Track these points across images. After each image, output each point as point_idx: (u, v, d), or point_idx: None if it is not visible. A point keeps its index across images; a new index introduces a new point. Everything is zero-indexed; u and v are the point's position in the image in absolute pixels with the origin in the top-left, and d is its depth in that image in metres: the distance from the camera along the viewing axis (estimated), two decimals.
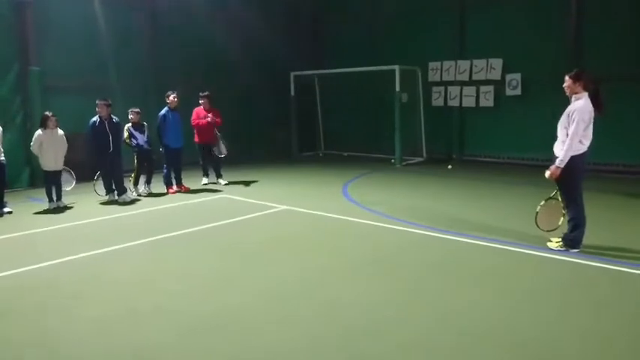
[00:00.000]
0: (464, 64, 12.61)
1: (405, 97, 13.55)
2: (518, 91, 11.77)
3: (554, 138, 5.50)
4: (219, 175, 10.38)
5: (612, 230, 6.35)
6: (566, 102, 5.47)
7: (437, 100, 13.24)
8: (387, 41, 13.97)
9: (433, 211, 7.59)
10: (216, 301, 4.37)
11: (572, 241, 5.52)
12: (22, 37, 9.96)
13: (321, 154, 15.23)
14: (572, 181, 5.43)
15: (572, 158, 5.32)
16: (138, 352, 3.51)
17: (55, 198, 8.21)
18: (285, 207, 7.96)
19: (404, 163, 12.66)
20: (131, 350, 3.54)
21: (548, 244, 5.70)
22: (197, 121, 10.00)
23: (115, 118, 8.61)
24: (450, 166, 11.93)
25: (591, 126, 5.36)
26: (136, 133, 8.95)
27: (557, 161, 5.32)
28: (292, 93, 14.64)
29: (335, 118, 15.43)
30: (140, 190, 9.20)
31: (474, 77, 12.47)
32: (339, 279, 4.88)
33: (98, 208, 8.14)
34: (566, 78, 5.41)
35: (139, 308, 4.24)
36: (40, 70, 10.08)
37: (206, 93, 10.16)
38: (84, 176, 9.33)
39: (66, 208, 8.18)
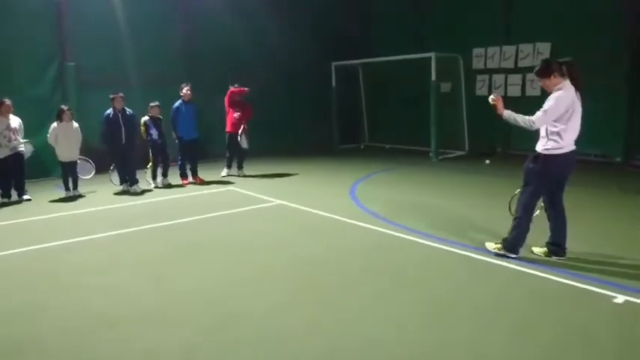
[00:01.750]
0: (509, 50, 11.57)
1: (448, 87, 12.78)
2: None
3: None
4: (240, 167, 10.42)
5: (603, 237, 5.48)
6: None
7: (481, 90, 12.30)
8: (432, 28, 13.19)
9: (431, 210, 7.02)
10: (132, 300, 4.26)
11: (510, 244, 4.91)
12: (59, 34, 10.60)
13: (362, 147, 14.80)
14: (536, 183, 4.74)
15: (547, 158, 4.63)
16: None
17: (71, 187, 8.66)
18: (280, 202, 7.77)
19: (441, 157, 11.92)
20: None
21: (487, 244, 5.13)
22: (237, 91, 10.07)
23: (128, 111, 8.89)
24: (487, 161, 11.03)
25: (574, 121, 4.61)
26: (152, 128, 9.18)
27: (507, 112, 4.73)
28: (333, 84, 14.34)
29: (380, 109, 14.92)
30: (157, 182, 9.45)
31: (520, 64, 11.40)
32: (267, 282, 4.61)
33: (107, 198, 8.46)
34: (537, 79, 4.73)
35: (51, 303, 4.23)
36: (75, 66, 10.68)
37: (236, 86, 10.24)
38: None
39: (80, 196, 8.59)
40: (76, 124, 8.64)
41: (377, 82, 14.68)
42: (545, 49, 10.88)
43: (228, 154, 10.40)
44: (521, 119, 4.69)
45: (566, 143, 4.61)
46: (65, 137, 8.46)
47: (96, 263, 5.23)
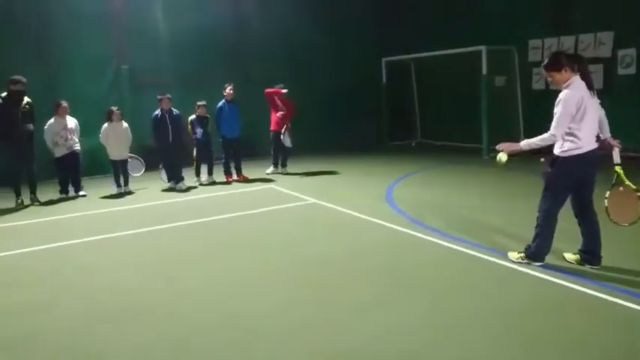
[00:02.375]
0: (568, 41, 10.84)
1: (502, 81, 12.22)
2: (632, 70, 9.77)
3: None
4: (284, 165, 10.54)
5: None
6: None
7: (537, 83, 11.63)
8: (485, 19, 12.60)
9: (465, 212, 6.76)
10: (132, 297, 4.38)
11: (534, 253, 4.62)
12: (115, 38, 11.20)
13: (413, 144, 14.47)
14: (556, 188, 4.43)
15: (565, 160, 4.32)
16: None
17: (122, 184, 9.14)
18: (314, 201, 7.77)
19: (493, 155, 11.39)
20: None
21: (509, 254, 4.86)
22: (272, 92, 10.22)
23: (175, 111, 9.24)
24: (542, 159, 10.42)
25: (589, 120, 4.27)
26: (197, 127, 9.48)
27: (523, 142, 4.45)
28: (384, 80, 14.14)
29: (432, 105, 14.50)
30: (202, 180, 9.75)
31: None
32: (274, 281, 4.62)
33: (153, 195, 8.83)
34: (545, 72, 4.41)
35: (56, 300, 4.39)
36: (130, 68, 11.25)
37: (281, 86, 10.34)
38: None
39: (129, 193, 9.05)
40: (125, 124, 9.10)
41: (429, 77, 14.25)
42: (607, 38, 10.10)
43: (273, 153, 10.53)
44: (540, 140, 4.38)
45: (585, 142, 4.28)
46: (115, 137, 8.94)
47: (112, 261, 5.41)
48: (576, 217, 4.64)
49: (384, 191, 8.31)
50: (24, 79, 8.05)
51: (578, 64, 4.31)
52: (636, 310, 3.72)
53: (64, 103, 8.71)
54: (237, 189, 9.14)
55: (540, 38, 11.38)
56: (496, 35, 11.67)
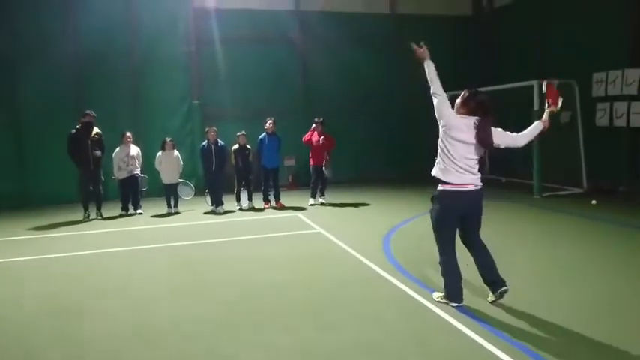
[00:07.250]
0: (633, 74, 9.94)
1: (567, 117, 11.51)
2: None
3: None
4: (322, 195, 10.98)
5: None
6: None
7: (601, 120, 10.75)
8: (548, 52, 12.04)
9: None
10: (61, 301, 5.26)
11: (447, 293, 4.61)
12: (190, 77, 12.74)
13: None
14: (439, 225, 4.53)
15: (440, 194, 4.44)
16: None
17: (172, 205, 10.36)
18: (320, 231, 8.15)
19: (546, 194, 10.75)
20: None
21: (434, 293, 4.86)
22: (308, 138, 10.79)
23: (220, 143, 10.28)
24: (594, 202, 9.60)
25: (460, 153, 4.29)
26: (238, 156, 10.41)
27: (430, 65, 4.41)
28: None
29: None
30: (243, 205, 10.61)
31: None
32: (194, 301, 5.13)
33: (192, 217, 9.86)
34: (461, 95, 4.48)
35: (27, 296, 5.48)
36: (200, 103, 12.69)
37: (320, 120, 10.90)
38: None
39: (177, 213, 10.22)
40: (176, 153, 10.35)
41: (500, 110, 13.79)
42: None
43: (311, 185, 10.96)
44: (432, 80, 4.38)
45: (456, 176, 4.31)
46: (167, 163, 10.21)
47: (90, 270, 6.34)
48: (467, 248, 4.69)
49: (396, 225, 8.37)
50: (92, 113, 9.65)
51: (483, 112, 4.31)
52: None
53: (128, 133, 10.21)
54: (266, 215, 9.82)
55: (605, 71, 10.56)
56: (558, 68, 11.12)
